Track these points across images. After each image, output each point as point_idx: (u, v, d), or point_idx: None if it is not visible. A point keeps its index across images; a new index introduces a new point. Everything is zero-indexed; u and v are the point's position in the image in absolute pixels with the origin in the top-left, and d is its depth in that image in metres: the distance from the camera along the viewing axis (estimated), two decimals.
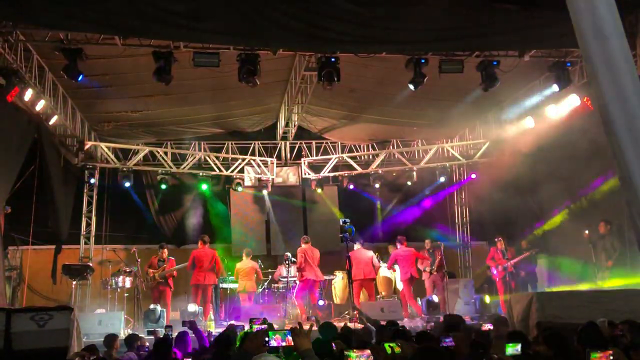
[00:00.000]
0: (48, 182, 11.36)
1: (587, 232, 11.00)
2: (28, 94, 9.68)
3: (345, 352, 3.62)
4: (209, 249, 11.77)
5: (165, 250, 11.94)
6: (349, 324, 8.46)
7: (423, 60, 9.82)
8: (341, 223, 11.02)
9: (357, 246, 12.10)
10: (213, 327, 10.30)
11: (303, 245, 11.90)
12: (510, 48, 9.84)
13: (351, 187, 14.96)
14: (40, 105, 10.23)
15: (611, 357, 3.85)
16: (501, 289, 12.13)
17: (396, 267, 12.44)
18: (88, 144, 13.26)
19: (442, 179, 15.23)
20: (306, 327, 3.52)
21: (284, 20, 7.98)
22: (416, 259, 12.23)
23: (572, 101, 11.23)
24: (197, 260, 11.47)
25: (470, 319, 10.54)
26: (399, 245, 12.22)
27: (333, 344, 4.57)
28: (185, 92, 11.59)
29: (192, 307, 11.20)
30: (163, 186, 14.11)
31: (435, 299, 11.95)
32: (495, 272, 12.33)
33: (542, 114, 12.06)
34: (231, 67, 9.58)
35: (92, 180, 13.80)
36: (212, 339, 6.60)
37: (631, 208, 2.43)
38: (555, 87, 10.76)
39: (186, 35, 8.56)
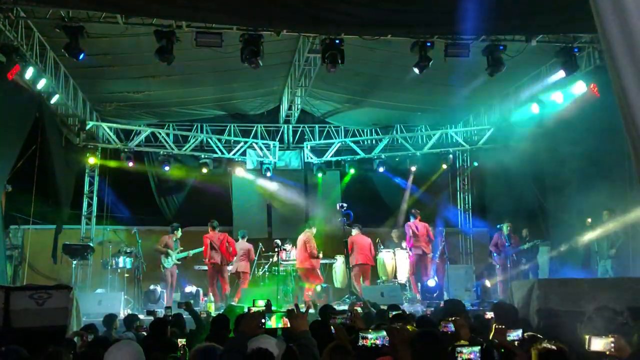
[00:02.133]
0: (49, 161, 11.32)
1: (589, 220, 10.93)
2: (29, 72, 9.60)
3: (362, 333, 3.60)
4: (219, 233, 11.92)
5: (179, 231, 11.95)
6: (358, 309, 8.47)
7: (429, 44, 9.70)
8: (338, 208, 11.01)
9: (355, 231, 12.10)
10: (212, 309, 10.29)
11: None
12: (516, 32, 9.71)
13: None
14: (41, 84, 10.16)
15: (612, 344, 3.80)
16: (501, 276, 12.07)
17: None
18: (90, 124, 13.20)
19: (445, 166, 15.15)
20: (303, 309, 3.49)
21: (288, 0, 7.86)
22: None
23: (579, 88, 11.10)
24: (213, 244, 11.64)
25: (470, 305, 10.53)
26: (412, 219, 12.15)
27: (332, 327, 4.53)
28: (188, 73, 11.49)
29: (190, 289, 11.23)
30: (165, 168, 14.06)
31: (431, 284, 11.95)
32: (497, 258, 12.24)
33: (548, 100, 11.93)
34: (234, 48, 9.48)
35: (91, 162, 13.74)
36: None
37: None
38: (562, 73, 10.62)
39: (188, 15, 8.45)
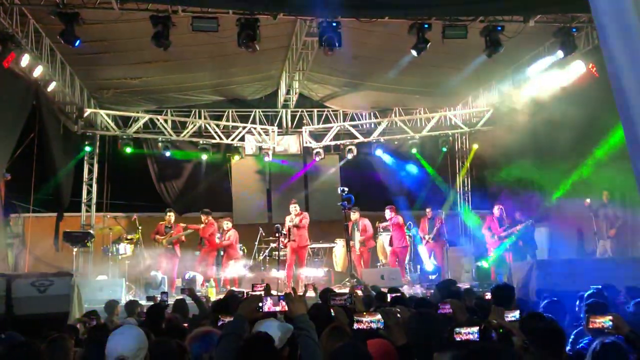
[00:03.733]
0: (48, 149, 11.33)
1: (588, 200, 10.94)
2: (25, 60, 9.55)
3: (357, 316, 3.62)
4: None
5: (172, 215, 12.00)
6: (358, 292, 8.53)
7: (426, 26, 9.64)
8: (339, 192, 11.04)
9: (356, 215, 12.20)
10: (213, 294, 10.35)
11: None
12: (514, 13, 9.65)
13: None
14: (37, 72, 10.11)
15: (610, 322, 3.84)
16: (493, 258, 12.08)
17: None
18: (87, 111, 13.16)
19: (445, 149, 15.13)
20: (300, 292, 3.52)
21: None
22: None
23: (577, 68, 11.05)
24: None
25: (470, 287, 10.56)
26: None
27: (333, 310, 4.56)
28: (185, 58, 11.44)
29: (191, 274, 11.29)
30: (166, 154, 14.06)
31: (430, 267, 12.00)
32: (489, 242, 12.23)
33: (547, 80, 11.89)
34: (230, 33, 9.42)
35: (88, 148, 13.71)
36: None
37: None
38: (560, 54, 10.57)
39: None
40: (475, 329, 3.44)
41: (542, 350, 3.54)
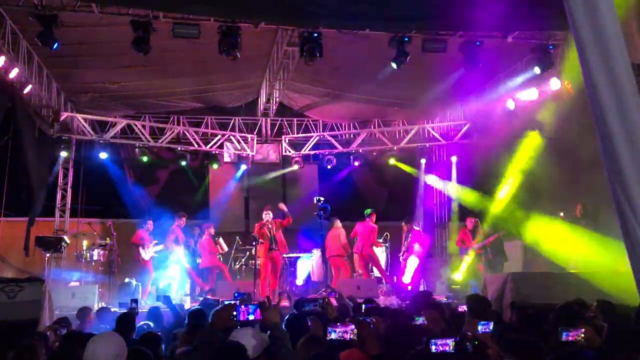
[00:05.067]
0: (22, 152, 11.13)
1: (562, 214, 11.09)
2: (0, 61, 9.40)
3: (330, 328, 3.62)
4: None
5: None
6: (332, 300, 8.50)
7: (406, 39, 9.75)
8: (315, 201, 11.05)
9: (338, 223, 12.19)
10: (188, 302, 10.25)
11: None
12: (493, 29, 9.79)
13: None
14: (13, 73, 9.94)
15: (582, 336, 3.89)
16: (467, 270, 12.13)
17: None
18: (64, 115, 12.97)
19: (423, 160, 15.27)
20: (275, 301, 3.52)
21: None
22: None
23: (554, 84, 11.26)
24: None
25: (445, 299, 10.63)
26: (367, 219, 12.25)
27: (309, 320, 4.54)
28: (165, 64, 11.36)
29: (162, 283, 11.19)
30: (142, 159, 13.92)
31: (406, 279, 12.06)
32: (463, 253, 12.29)
33: (524, 96, 12.08)
34: (212, 40, 9.41)
35: (65, 154, 13.50)
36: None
37: (616, 190, 2.38)
38: (537, 70, 10.76)
39: (165, 5, 8.35)
40: (451, 341, 3.46)
41: None
